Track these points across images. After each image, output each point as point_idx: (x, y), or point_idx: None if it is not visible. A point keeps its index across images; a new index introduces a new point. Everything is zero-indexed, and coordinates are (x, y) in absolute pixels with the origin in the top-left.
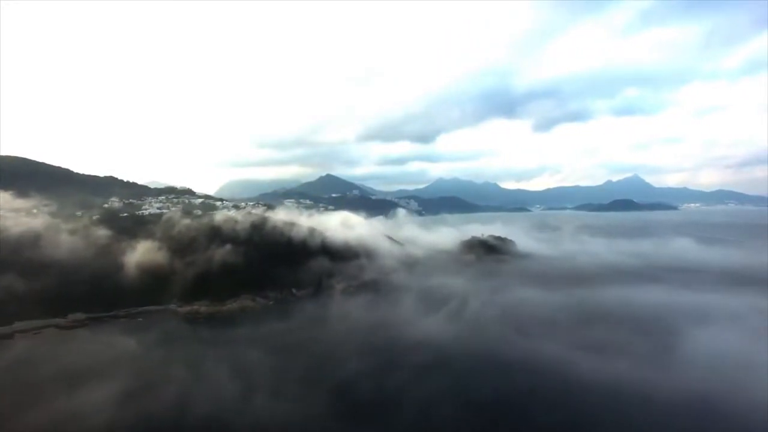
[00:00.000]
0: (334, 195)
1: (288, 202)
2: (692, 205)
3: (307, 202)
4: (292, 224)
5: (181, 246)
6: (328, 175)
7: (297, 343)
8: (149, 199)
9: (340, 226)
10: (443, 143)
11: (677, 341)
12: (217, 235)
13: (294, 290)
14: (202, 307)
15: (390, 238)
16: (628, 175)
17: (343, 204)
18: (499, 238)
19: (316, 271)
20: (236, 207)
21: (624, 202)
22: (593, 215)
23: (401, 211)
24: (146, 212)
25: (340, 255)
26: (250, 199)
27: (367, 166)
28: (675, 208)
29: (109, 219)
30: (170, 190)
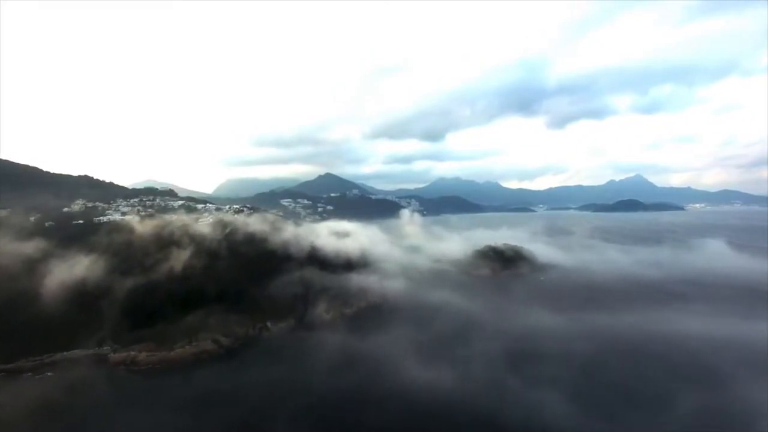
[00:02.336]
0: (333, 195)
1: (285, 201)
2: (697, 205)
3: (305, 202)
4: (275, 234)
5: (125, 262)
6: (328, 174)
7: (229, 397)
8: (120, 201)
9: (334, 236)
10: (452, 142)
11: (741, 400)
12: (174, 246)
13: (269, 323)
14: (142, 352)
15: (393, 245)
16: (631, 175)
17: (342, 204)
18: (515, 248)
19: (301, 295)
20: (219, 209)
21: (629, 203)
22: (600, 216)
23: (405, 213)
24: (106, 218)
25: (331, 274)
26: (244, 200)
27: (372, 164)
28: (681, 208)
29: (60, 226)
30: (149, 191)
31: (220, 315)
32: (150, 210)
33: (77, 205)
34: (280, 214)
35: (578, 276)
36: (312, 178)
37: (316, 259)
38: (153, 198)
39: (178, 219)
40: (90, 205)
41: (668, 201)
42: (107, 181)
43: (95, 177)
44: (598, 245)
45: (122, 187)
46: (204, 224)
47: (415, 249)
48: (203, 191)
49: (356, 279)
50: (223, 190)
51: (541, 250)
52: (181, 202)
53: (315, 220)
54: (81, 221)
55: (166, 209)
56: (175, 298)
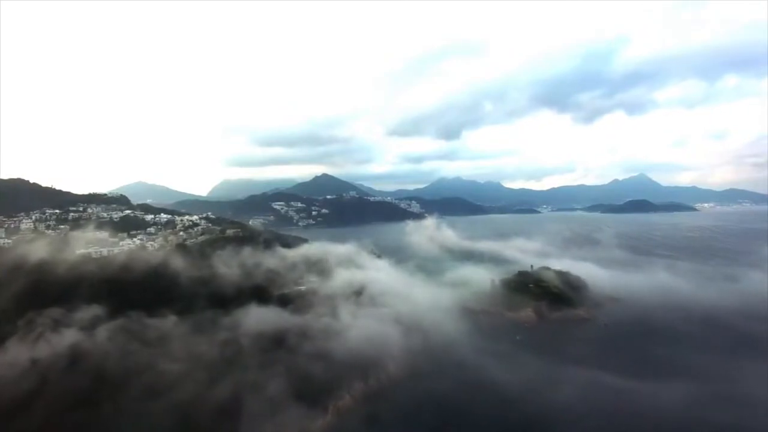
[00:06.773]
0: (329, 197)
1: (277, 205)
2: (706, 205)
3: (298, 205)
4: (214, 269)
5: None
6: (324, 175)
7: None
8: (34, 213)
9: (309, 266)
10: (469, 140)
11: None
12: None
13: None
14: None
15: (393, 267)
16: (635, 174)
17: (338, 207)
18: (559, 274)
19: (231, 399)
20: (171, 221)
21: (639, 203)
22: (613, 218)
23: (410, 221)
24: None
25: (289, 346)
26: (237, 203)
27: (382, 164)
28: (693, 208)
29: None
30: (91, 198)
31: None
32: (63, 226)
33: None
34: (271, 218)
35: (643, 317)
36: (308, 179)
37: (266, 310)
38: (83, 209)
39: (61, 244)
40: None
41: (676, 201)
42: (45, 185)
43: (32, 181)
44: (639, 261)
45: (68, 192)
46: (107, 252)
47: (425, 272)
48: (198, 193)
49: (335, 351)
50: (218, 192)
51: (579, 270)
52: (127, 212)
53: (308, 225)
54: None
55: (101, 223)
56: None
